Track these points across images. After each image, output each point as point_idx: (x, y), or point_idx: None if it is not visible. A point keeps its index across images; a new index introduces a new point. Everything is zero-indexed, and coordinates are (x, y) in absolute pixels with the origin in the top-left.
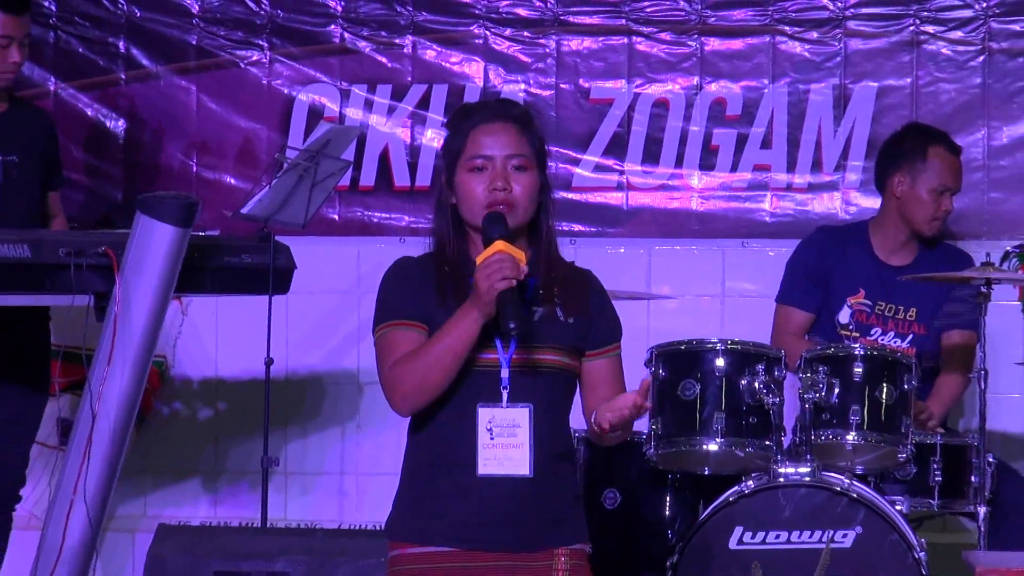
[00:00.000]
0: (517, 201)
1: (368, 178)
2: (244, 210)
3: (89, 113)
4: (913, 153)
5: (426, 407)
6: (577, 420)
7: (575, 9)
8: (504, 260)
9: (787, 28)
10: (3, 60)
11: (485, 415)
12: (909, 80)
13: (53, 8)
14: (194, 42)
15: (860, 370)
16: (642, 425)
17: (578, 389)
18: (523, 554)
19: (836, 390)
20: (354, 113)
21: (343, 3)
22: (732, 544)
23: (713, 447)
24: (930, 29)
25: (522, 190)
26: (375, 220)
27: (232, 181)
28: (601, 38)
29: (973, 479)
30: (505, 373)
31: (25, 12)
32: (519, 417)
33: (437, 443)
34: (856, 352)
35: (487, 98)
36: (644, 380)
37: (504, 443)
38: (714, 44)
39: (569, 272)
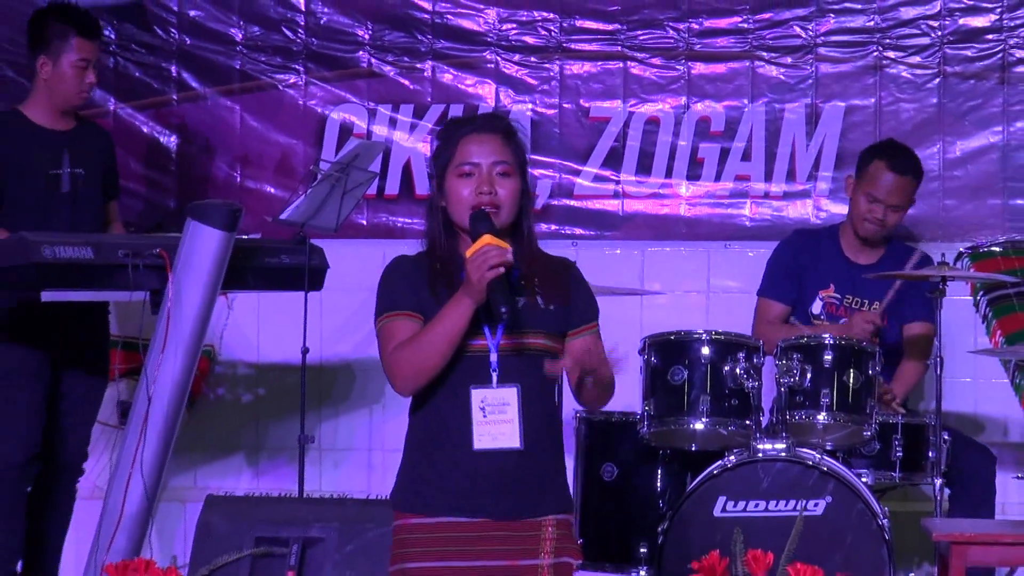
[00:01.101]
0: (501, 203)
1: (392, 187)
2: (283, 216)
3: (145, 130)
4: (862, 162)
5: (424, 388)
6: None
7: (576, 37)
8: (492, 251)
9: (764, 54)
10: (82, 81)
11: (477, 396)
12: (873, 100)
13: (112, 36)
14: (238, 67)
15: (830, 357)
16: (636, 406)
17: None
18: (515, 522)
19: (809, 375)
20: (380, 130)
21: (370, 32)
22: (716, 512)
23: (699, 426)
24: (891, 55)
25: (506, 193)
26: (399, 225)
27: (272, 190)
28: (599, 63)
29: (930, 454)
30: (494, 357)
31: (100, 37)
32: (508, 396)
33: (435, 422)
34: (826, 341)
35: None
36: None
37: (496, 420)
38: (700, 68)
39: (548, 263)
